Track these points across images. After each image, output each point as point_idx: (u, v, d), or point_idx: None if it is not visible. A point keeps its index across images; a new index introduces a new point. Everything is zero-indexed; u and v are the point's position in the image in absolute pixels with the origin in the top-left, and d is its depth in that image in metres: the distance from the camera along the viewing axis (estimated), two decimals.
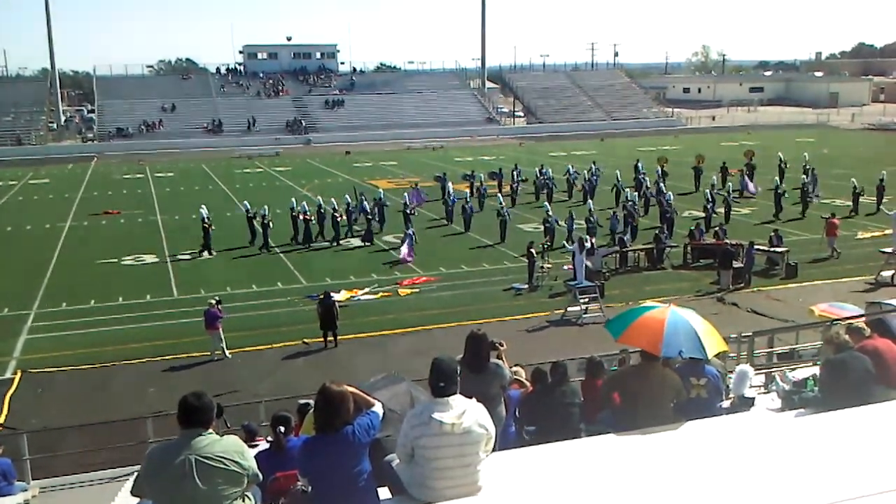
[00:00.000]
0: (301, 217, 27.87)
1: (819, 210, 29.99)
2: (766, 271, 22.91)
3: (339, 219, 28.11)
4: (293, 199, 29.29)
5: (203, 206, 28.60)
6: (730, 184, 32.71)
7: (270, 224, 27.27)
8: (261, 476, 4.27)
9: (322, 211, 29.01)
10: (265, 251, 26.78)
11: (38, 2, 76.70)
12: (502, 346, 6.39)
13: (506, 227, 27.80)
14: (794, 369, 8.37)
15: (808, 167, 36.29)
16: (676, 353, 6.01)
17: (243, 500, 4.11)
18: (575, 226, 26.78)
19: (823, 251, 24.63)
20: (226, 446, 4.07)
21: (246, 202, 29.59)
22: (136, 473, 4.37)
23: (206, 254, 26.69)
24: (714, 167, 38.40)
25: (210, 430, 4.10)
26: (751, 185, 35.75)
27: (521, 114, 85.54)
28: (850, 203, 31.73)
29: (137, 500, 6.82)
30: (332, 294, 18.36)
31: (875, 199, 31.99)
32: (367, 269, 24.24)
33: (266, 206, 27.74)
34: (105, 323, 19.68)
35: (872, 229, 28.16)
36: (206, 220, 27.15)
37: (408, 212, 29.47)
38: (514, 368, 8.34)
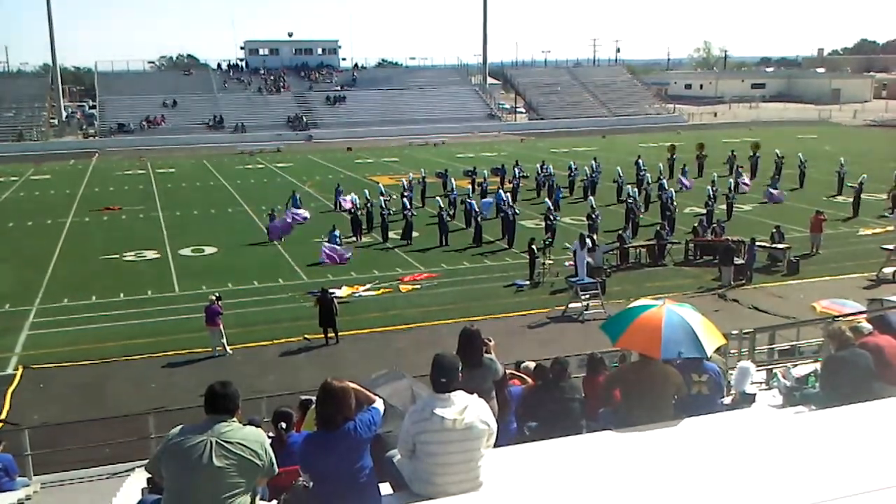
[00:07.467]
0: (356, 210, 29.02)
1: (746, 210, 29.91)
2: (768, 268, 22.89)
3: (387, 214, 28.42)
4: (381, 186, 31.05)
5: (364, 194, 30.33)
6: (731, 181, 32.55)
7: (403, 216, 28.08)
8: (277, 469, 4.27)
9: (370, 205, 29.60)
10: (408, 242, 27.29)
11: None
12: (490, 341, 6.41)
13: (511, 225, 26.71)
14: (795, 366, 8.39)
15: (735, 163, 36.78)
16: (676, 355, 5.99)
17: (250, 495, 4.10)
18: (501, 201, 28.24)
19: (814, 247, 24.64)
20: (247, 435, 4.09)
21: (382, 194, 30.29)
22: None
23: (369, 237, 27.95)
24: (714, 162, 38.21)
25: (234, 419, 4.14)
26: (745, 178, 35.85)
27: (523, 110, 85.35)
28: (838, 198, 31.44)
29: (145, 490, 6.83)
30: (331, 290, 18.37)
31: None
32: (369, 265, 24.23)
33: (406, 200, 28.61)
34: (106, 319, 19.69)
35: (874, 226, 28.11)
36: (369, 205, 29.04)
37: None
38: (527, 363, 8.34)
